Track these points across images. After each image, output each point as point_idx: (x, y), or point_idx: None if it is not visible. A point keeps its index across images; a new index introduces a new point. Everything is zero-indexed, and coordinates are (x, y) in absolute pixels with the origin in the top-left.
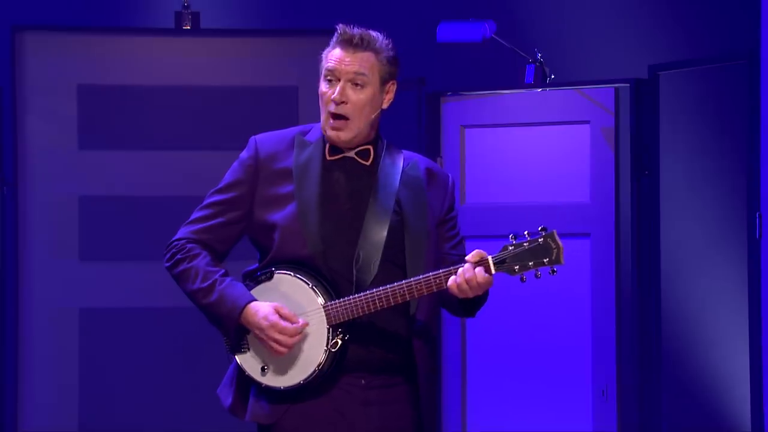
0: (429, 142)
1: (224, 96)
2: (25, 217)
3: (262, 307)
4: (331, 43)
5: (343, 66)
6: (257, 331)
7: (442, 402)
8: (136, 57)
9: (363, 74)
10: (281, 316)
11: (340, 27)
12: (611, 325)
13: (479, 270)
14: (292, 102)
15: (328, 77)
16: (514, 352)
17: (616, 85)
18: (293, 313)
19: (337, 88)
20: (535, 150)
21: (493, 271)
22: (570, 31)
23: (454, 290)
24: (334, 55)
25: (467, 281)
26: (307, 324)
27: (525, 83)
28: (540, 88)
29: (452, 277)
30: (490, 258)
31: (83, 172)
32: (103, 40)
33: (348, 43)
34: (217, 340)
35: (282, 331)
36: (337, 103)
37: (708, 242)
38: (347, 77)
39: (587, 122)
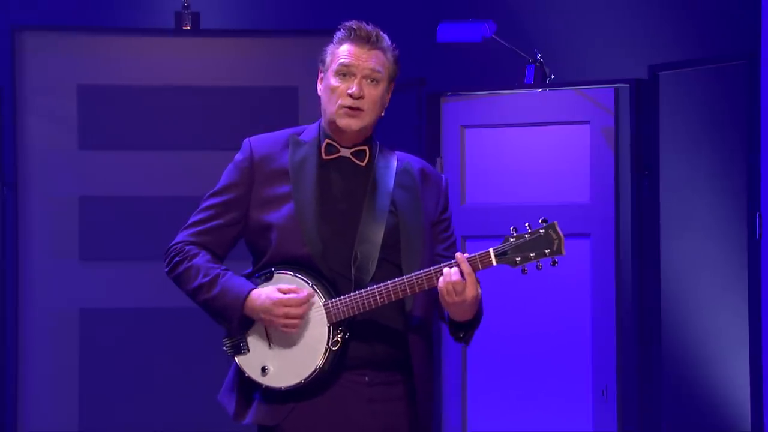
0: (429, 142)
1: (224, 96)
2: (25, 217)
3: (263, 290)
4: (339, 39)
5: (360, 62)
6: (263, 314)
7: (442, 402)
8: (136, 57)
9: (378, 71)
10: (284, 292)
11: (354, 23)
12: (611, 325)
13: (455, 269)
14: (292, 102)
15: (342, 72)
16: (514, 352)
17: (616, 85)
18: (295, 286)
19: (355, 83)
20: (535, 150)
21: (494, 263)
22: (570, 31)
23: (442, 293)
24: (347, 51)
25: (453, 283)
26: (313, 294)
27: (525, 83)
28: (540, 88)
29: (441, 277)
30: (491, 250)
31: (83, 172)
32: (103, 40)
33: (364, 40)
34: (217, 341)
35: (288, 303)
36: (355, 98)
37: (708, 242)
38: (363, 73)
39: (587, 122)
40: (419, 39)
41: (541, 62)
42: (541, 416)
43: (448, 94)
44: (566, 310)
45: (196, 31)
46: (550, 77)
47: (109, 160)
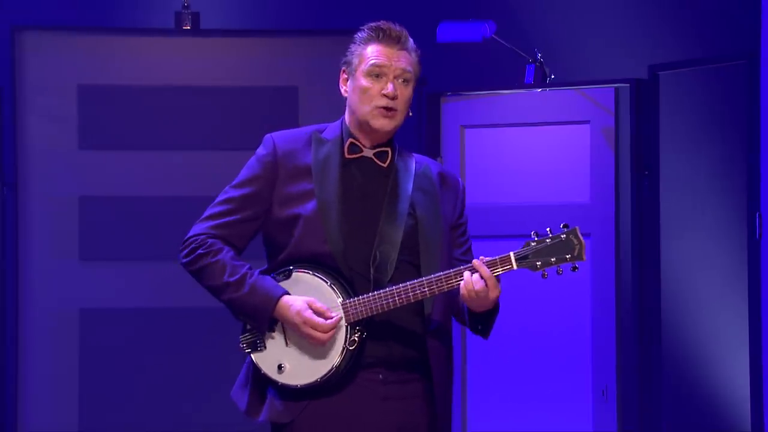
0: (429, 142)
1: (224, 96)
2: (25, 217)
3: (295, 302)
4: (365, 39)
5: (392, 62)
6: (290, 325)
7: None
8: (136, 57)
9: (409, 71)
10: (314, 311)
11: (382, 24)
12: (611, 325)
13: (476, 276)
14: (292, 102)
15: (374, 73)
16: (514, 352)
17: (616, 85)
18: (327, 307)
19: (390, 84)
20: (535, 150)
21: (515, 267)
22: (570, 31)
23: (464, 297)
24: (377, 52)
25: (474, 282)
26: (340, 318)
27: (525, 83)
28: (540, 88)
29: (462, 283)
30: (512, 254)
31: (83, 172)
32: (103, 40)
33: (394, 41)
34: (216, 341)
35: (315, 327)
36: (391, 98)
37: (708, 242)
38: (395, 73)
39: (587, 122)
40: (419, 39)
41: (541, 62)
42: (541, 416)
43: (448, 94)
44: (566, 310)
45: (196, 31)
46: (550, 77)
47: (109, 160)
